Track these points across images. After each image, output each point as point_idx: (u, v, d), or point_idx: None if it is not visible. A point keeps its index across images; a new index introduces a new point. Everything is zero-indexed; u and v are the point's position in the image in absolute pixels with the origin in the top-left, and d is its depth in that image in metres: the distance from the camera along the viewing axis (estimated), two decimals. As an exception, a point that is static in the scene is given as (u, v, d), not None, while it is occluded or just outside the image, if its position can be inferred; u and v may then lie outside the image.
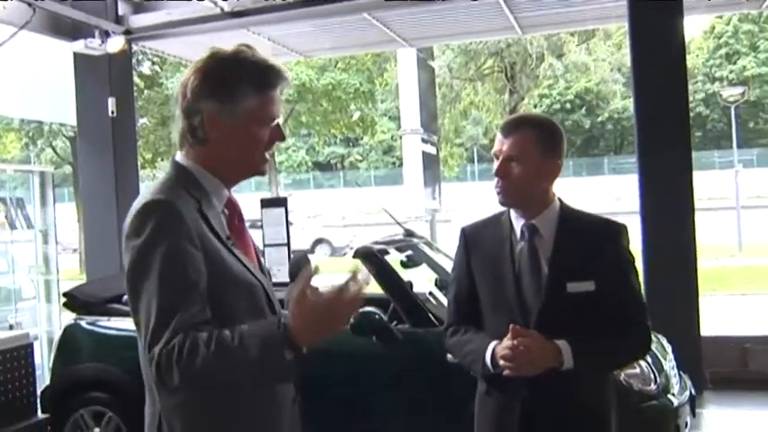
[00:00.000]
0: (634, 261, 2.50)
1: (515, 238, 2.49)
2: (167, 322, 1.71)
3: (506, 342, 2.31)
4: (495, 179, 2.46)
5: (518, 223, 2.49)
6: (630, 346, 2.54)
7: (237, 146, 1.92)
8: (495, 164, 2.47)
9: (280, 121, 1.98)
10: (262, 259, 2.07)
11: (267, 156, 1.98)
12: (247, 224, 2.07)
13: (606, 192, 32.46)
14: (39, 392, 5.18)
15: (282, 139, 1.99)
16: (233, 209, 1.99)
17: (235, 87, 1.88)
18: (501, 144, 2.45)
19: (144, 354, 1.77)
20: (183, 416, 1.84)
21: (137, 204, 1.84)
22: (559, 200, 2.53)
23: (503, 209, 2.55)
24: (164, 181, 1.91)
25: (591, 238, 2.45)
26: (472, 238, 2.61)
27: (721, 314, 10.19)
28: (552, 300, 2.39)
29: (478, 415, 2.58)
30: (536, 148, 2.42)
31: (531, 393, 2.37)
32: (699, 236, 6.84)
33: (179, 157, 1.95)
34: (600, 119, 42.33)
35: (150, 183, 1.96)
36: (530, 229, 2.46)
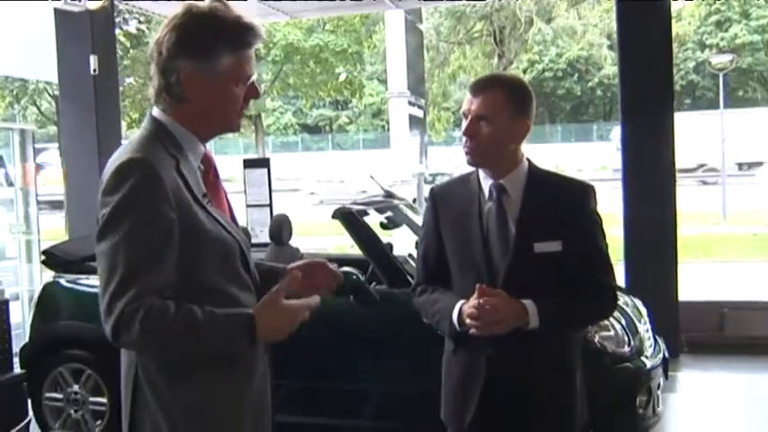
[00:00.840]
0: (601, 222, 2.50)
1: (484, 198, 2.49)
2: (134, 280, 1.74)
3: (472, 301, 2.32)
4: (464, 139, 2.46)
5: (486, 183, 2.49)
6: (596, 307, 2.56)
7: (214, 104, 1.93)
8: (464, 123, 2.46)
9: (254, 78, 1.99)
10: (234, 214, 2.10)
11: (243, 112, 2.00)
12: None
13: (593, 158, 32.52)
14: (18, 350, 5.22)
15: (257, 96, 2.02)
16: (208, 164, 2.01)
17: (212, 47, 1.88)
18: (470, 103, 2.44)
19: (102, 304, 1.79)
20: (158, 361, 1.88)
21: (115, 161, 1.85)
22: (528, 160, 2.52)
23: (472, 169, 2.55)
24: (142, 137, 1.91)
25: (558, 198, 2.45)
26: (441, 197, 2.61)
27: (702, 280, 10.30)
28: (519, 259, 2.40)
29: (445, 373, 2.61)
30: (506, 107, 2.41)
31: (495, 352, 2.39)
32: (681, 202, 6.89)
33: (156, 112, 1.96)
34: (590, 85, 42.20)
35: (130, 138, 1.98)
36: (497, 188, 2.46)
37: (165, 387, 1.88)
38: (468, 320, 2.33)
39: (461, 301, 2.40)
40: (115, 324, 1.74)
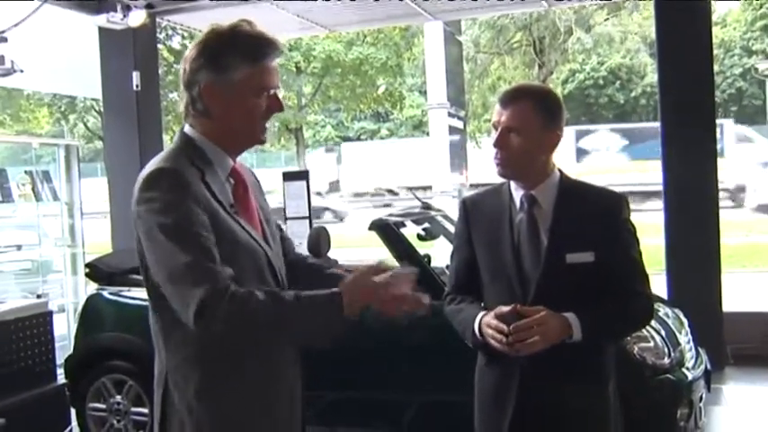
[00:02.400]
0: (635, 231, 2.48)
1: (515, 209, 2.48)
2: (200, 269, 1.80)
3: (491, 320, 2.33)
4: (494, 150, 2.45)
5: (517, 194, 2.49)
6: (633, 317, 2.52)
7: (235, 116, 1.99)
8: (494, 135, 2.45)
9: (279, 92, 2.04)
10: (266, 228, 2.12)
11: (266, 125, 2.05)
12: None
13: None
14: (63, 361, 5.33)
15: (280, 109, 2.05)
16: (238, 178, 2.07)
17: (227, 58, 1.95)
18: (499, 115, 2.43)
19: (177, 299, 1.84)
20: (185, 371, 1.94)
21: (144, 172, 1.93)
22: (560, 170, 2.51)
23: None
24: (170, 151, 2.00)
25: (590, 208, 2.44)
26: (472, 208, 2.61)
27: (749, 291, 10.08)
28: (551, 271, 2.38)
29: (478, 386, 2.60)
30: (535, 118, 2.40)
31: (529, 365, 2.37)
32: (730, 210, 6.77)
33: (186, 128, 2.04)
34: (633, 93, 41.66)
35: (159, 153, 2.05)
36: (529, 199, 2.45)
37: (192, 397, 1.94)
38: (498, 344, 2.32)
39: (482, 313, 2.41)
40: (199, 309, 1.77)
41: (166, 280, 1.85)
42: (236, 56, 1.95)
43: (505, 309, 2.32)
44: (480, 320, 2.40)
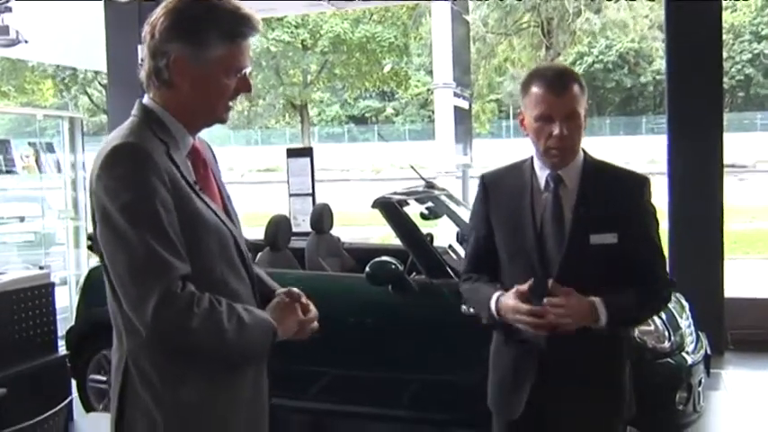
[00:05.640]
0: (656, 214, 2.47)
1: (537, 187, 2.45)
2: (157, 263, 1.72)
3: (511, 301, 2.31)
4: (554, 141, 2.34)
5: (542, 173, 2.45)
6: (654, 301, 2.53)
7: (202, 93, 1.89)
8: (555, 128, 2.33)
9: (247, 71, 1.94)
10: (228, 205, 2.06)
11: (230, 104, 1.95)
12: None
13: (642, 152, 31.95)
14: (65, 332, 5.33)
15: (249, 90, 1.96)
16: (196, 155, 1.97)
17: (204, 33, 1.84)
18: (555, 104, 2.32)
19: (119, 295, 1.79)
20: (149, 355, 1.84)
21: (106, 147, 1.81)
22: (583, 150, 2.48)
23: (524, 156, 2.52)
24: (131, 123, 1.88)
25: (614, 189, 2.42)
26: (492, 185, 2.57)
27: (751, 277, 10.08)
28: (575, 251, 2.36)
29: (494, 363, 2.60)
30: (584, 99, 2.38)
31: (548, 344, 2.37)
32: (727, 196, 6.76)
33: (146, 99, 1.92)
34: (641, 78, 41.40)
35: (120, 126, 1.91)
36: (555, 179, 2.42)
37: (159, 383, 1.84)
38: (522, 325, 2.32)
39: (498, 293, 2.40)
40: (157, 309, 1.70)
41: (119, 269, 1.75)
42: (215, 32, 1.84)
43: (523, 287, 2.30)
44: (497, 300, 2.38)
